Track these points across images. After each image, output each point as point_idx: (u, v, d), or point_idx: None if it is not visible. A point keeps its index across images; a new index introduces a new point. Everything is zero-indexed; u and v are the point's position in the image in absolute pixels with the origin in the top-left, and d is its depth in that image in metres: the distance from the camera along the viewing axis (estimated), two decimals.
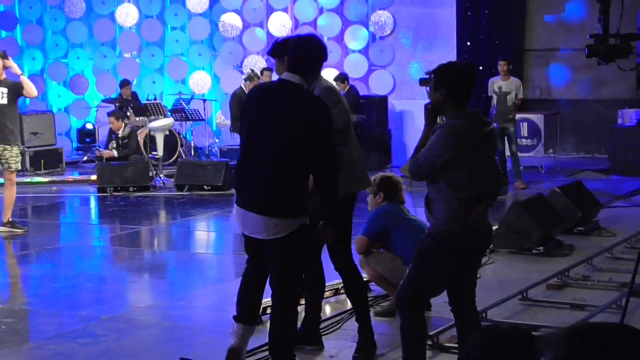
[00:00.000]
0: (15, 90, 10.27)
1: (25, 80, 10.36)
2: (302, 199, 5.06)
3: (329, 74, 17.76)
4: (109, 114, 15.50)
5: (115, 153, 14.96)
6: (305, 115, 5.02)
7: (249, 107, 5.21)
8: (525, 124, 16.11)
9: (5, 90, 10.19)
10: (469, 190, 4.87)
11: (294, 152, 4.98)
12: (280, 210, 5.01)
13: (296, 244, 5.08)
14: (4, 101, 10.19)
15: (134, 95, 17.26)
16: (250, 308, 5.40)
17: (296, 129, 4.98)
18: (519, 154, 13.98)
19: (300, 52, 5.19)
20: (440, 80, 4.93)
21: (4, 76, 10.21)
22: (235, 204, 5.25)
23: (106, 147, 15.44)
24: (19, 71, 10.54)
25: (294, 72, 5.12)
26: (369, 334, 5.86)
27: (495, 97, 13.73)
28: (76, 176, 15.91)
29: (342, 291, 7.34)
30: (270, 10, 18.63)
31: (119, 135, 15.11)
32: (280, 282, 5.18)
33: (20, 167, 11.03)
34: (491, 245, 8.93)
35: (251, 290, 5.40)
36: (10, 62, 10.40)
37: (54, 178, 15.62)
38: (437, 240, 4.95)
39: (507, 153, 13.71)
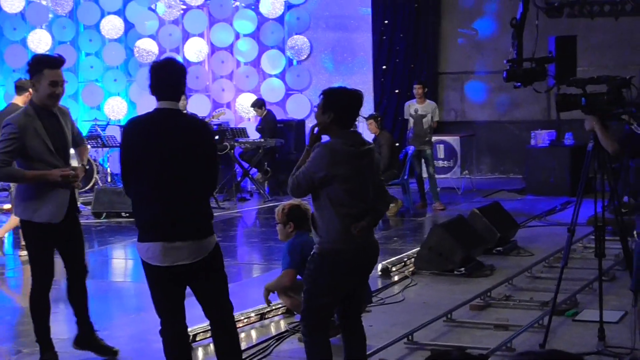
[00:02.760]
0: None
1: None
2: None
3: (247, 99, 17.77)
4: None
5: None
6: (198, 138, 5.09)
7: (133, 142, 5.12)
8: (441, 146, 16.34)
9: None
10: (349, 207, 5.06)
11: (200, 173, 5.05)
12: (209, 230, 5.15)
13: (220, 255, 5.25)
14: None
15: None
16: None
17: (197, 152, 5.04)
18: (436, 176, 14.14)
19: (166, 77, 5.14)
20: (328, 104, 5.13)
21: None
22: (149, 241, 5.08)
23: None
24: None
25: (166, 98, 5.11)
26: None
27: (411, 120, 13.89)
28: None
29: (268, 316, 7.32)
30: (186, 36, 18.55)
31: None
32: (226, 293, 5.22)
33: None
34: (413, 267, 9.04)
35: (185, 347, 5.33)
36: None
37: None
38: (323, 258, 5.12)
39: (425, 175, 13.87)
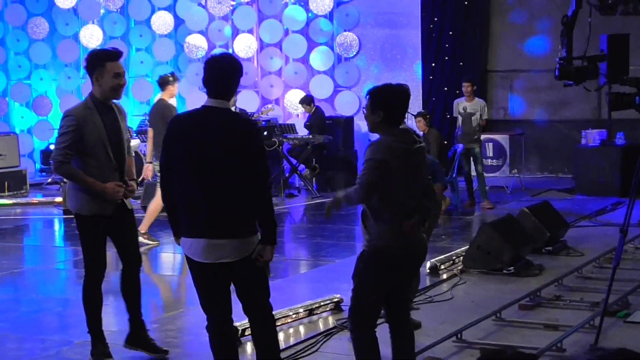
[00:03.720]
0: None
1: None
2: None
3: (295, 95, 17.82)
4: None
5: None
6: (243, 137, 5.05)
7: (178, 138, 5.11)
8: (490, 145, 16.24)
9: None
10: (400, 204, 5.04)
11: (245, 172, 5.03)
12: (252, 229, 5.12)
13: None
14: None
15: None
16: None
17: (241, 151, 5.02)
18: (485, 174, 14.07)
19: (217, 75, 5.12)
20: (376, 103, 5.13)
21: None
22: (192, 236, 5.08)
23: None
24: None
25: (215, 96, 5.10)
26: None
27: (460, 118, 13.83)
28: (40, 198, 15.74)
29: (317, 312, 7.34)
30: (235, 31, 18.63)
31: None
32: (267, 292, 5.21)
33: None
34: (461, 265, 9.01)
35: (231, 343, 5.34)
36: None
37: (18, 200, 15.45)
38: (372, 256, 5.11)
39: (473, 173, 13.81)
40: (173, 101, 11.22)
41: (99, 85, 6.05)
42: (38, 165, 18.88)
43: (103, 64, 5.99)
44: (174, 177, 5.13)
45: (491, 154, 16.23)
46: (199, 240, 5.03)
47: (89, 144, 5.99)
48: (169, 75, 11.19)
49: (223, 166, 5.00)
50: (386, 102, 5.12)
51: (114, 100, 6.25)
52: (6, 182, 15.93)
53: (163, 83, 11.03)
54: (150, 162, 11.10)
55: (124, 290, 6.45)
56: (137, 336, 6.42)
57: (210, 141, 5.00)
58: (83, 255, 6.32)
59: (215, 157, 5.00)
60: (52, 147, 18.50)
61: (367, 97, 5.20)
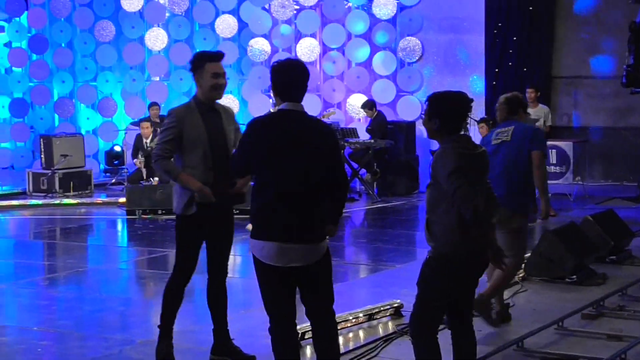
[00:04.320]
0: None
1: None
2: None
3: (357, 100, 17.81)
4: (141, 120, 15.87)
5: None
6: (321, 141, 5.14)
7: (258, 141, 5.14)
8: (554, 151, 16.04)
9: None
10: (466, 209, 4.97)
11: (322, 176, 5.10)
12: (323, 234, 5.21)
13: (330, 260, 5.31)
14: None
15: (162, 118, 17.34)
16: None
17: (320, 155, 5.09)
18: (548, 182, 13.88)
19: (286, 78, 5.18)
20: (434, 110, 5.13)
21: None
22: (265, 239, 5.11)
23: (133, 157, 15.77)
24: None
25: (289, 99, 5.16)
26: None
27: None
28: (104, 198, 15.96)
29: (376, 317, 7.34)
30: (299, 35, 18.69)
31: (148, 143, 15.30)
32: (331, 297, 5.27)
33: None
34: (523, 273, 8.92)
35: (294, 346, 5.36)
36: None
37: (83, 200, 15.69)
38: (438, 262, 5.12)
39: None
40: None
41: (200, 86, 6.17)
42: (102, 166, 19.15)
43: (203, 64, 6.11)
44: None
45: (554, 161, 16.03)
46: (272, 243, 5.06)
47: (189, 142, 6.08)
48: None
49: (304, 170, 5.05)
50: (443, 110, 5.12)
51: (217, 101, 6.32)
52: (71, 182, 16.21)
53: None
54: None
55: (211, 301, 6.46)
56: (224, 346, 6.45)
57: (292, 145, 5.05)
58: (176, 254, 6.40)
59: (295, 160, 5.04)
60: (116, 148, 18.81)
61: (426, 103, 5.21)
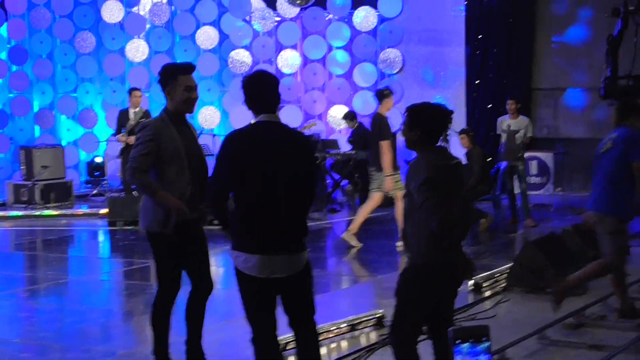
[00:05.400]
0: None
1: None
2: None
3: (338, 111, 17.85)
4: (132, 89, 15.22)
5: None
6: (300, 152, 5.19)
7: (237, 154, 5.11)
8: (534, 162, 16.16)
9: None
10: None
11: (301, 187, 5.14)
12: (304, 245, 5.24)
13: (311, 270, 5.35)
14: None
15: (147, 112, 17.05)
16: None
17: (299, 166, 5.13)
18: (529, 192, 13.98)
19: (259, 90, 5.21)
20: (414, 121, 5.15)
21: None
22: (247, 252, 5.10)
23: (116, 134, 15.11)
24: None
25: (264, 111, 5.19)
26: None
27: (504, 136, 13.78)
28: (85, 210, 15.91)
29: (359, 327, 7.34)
30: (279, 47, 18.73)
31: (131, 123, 14.55)
32: (313, 308, 5.31)
33: None
34: (504, 283, 8.95)
35: (276, 356, 5.35)
36: None
37: (64, 211, 15.63)
38: (415, 273, 5.13)
39: (517, 191, 13.73)
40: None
41: (171, 99, 5.99)
42: (83, 177, 19.09)
43: (175, 77, 5.96)
44: (225, 191, 5.15)
45: (535, 172, 16.15)
46: (253, 255, 5.06)
47: (166, 156, 5.89)
48: (385, 89, 11.65)
49: (282, 180, 5.05)
50: (424, 121, 5.14)
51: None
52: (52, 194, 16.15)
53: (381, 97, 11.40)
54: (390, 174, 11.17)
55: (188, 316, 6.20)
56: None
57: (272, 155, 5.06)
58: (157, 276, 6.12)
59: (275, 171, 5.05)
60: (97, 159, 18.74)
61: (405, 114, 5.21)
